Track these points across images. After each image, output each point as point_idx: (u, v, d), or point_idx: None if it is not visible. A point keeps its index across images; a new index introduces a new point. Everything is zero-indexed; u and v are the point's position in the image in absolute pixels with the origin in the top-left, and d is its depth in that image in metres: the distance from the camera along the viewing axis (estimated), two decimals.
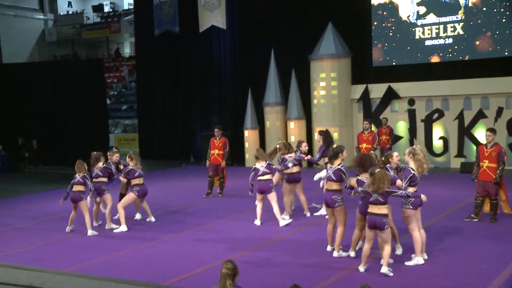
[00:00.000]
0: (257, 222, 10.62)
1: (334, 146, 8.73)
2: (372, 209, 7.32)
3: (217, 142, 13.57)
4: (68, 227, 10.68)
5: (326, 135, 11.25)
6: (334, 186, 8.20)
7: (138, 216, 11.28)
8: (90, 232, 10.35)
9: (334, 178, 8.18)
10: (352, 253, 8.12)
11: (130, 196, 10.80)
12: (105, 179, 10.78)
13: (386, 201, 7.32)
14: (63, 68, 23.94)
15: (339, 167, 8.17)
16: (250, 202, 12.75)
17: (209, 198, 13.60)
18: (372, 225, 7.31)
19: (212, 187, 13.77)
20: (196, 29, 21.46)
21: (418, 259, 7.69)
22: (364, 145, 13.64)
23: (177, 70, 22.62)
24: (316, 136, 11.51)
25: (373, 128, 17.81)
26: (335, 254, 8.26)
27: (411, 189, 7.71)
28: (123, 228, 10.57)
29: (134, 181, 10.75)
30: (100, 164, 10.83)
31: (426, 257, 7.94)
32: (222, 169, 13.61)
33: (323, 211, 10.87)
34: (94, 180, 10.75)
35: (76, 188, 10.43)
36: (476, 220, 9.96)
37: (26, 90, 22.55)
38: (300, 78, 18.96)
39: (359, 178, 7.90)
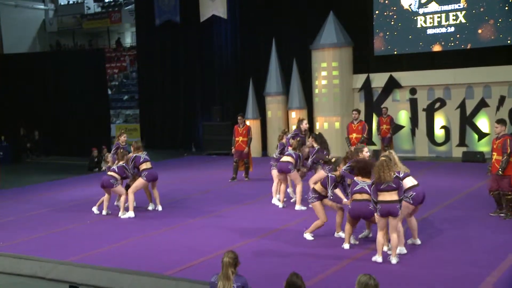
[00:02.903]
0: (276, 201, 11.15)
1: (333, 160, 8.87)
2: (384, 196, 7.28)
3: (241, 129, 14.16)
4: (103, 210, 11.05)
5: (319, 138, 11.06)
6: (314, 185, 8.80)
7: (150, 207, 11.33)
8: (121, 213, 10.87)
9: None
10: (346, 245, 8.15)
11: (139, 181, 10.91)
12: (117, 176, 10.83)
13: (398, 187, 7.30)
14: (64, 59, 23.91)
15: (329, 174, 8.50)
16: (255, 191, 12.83)
17: (214, 186, 13.70)
18: (386, 213, 7.28)
19: (237, 172, 14.36)
20: (197, 18, 21.41)
21: (400, 249, 7.70)
22: (354, 135, 13.49)
23: (178, 60, 22.58)
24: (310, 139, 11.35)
25: (374, 117, 17.90)
26: (335, 234, 8.66)
27: (408, 181, 7.77)
28: (131, 214, 10.73)
29: (142, 167, 10.89)
30: (121, 162, 10.90)
31: (419, 242, 8.10)
32: (246, 155, 14.15)
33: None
34: (107, 172, 10.98)
35: (110, 173, 10.82)
36: (503, 215, 9.47)
37: (27, 81, 22.55)
38: (302, 68, 18.92)
39: (355, 179, 7.93)
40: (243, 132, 14.10)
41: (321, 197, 8.52)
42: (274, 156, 11.49)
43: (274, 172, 11.31)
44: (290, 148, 10.91)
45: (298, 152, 10.78)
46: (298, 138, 11.07)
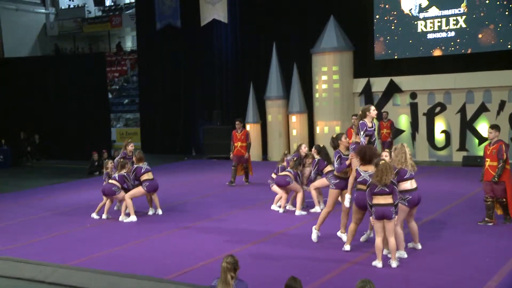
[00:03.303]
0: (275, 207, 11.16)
1: (334, 136, 8.80)
2: (378, 200, 7.31)
3: (239, 134, 14.08)
4: (104, 214, 11.04)
5: (320, 150, 10.98)
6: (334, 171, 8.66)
7: (150, 211, 11.31)
8: (121, 217, 10.83)
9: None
10: (347, 247, 8.14)
11: (139, 190, 10.92)
12: (118, 184, 10.83)
13: (392, 191, 7.31)
14: (64, 62, 23.96)
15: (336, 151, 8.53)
16: (255, 195, 12.83)
17: (214, 190, 13.68)
18: (380, 216, 7.31)
19: (235, 176, 14.27)
20: (198, 23, 21.44)
21: (401, 253, 7.68)
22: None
23: (179, 64, 22.61)
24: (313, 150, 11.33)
25: (375, 121, 17.87)
26: (338, 233, 8.65)
27: (407, 184, 7.75)
28: (133, 218, 10.73)
29: (143, 177, 10.88)
30: (123, 171, 10.87)
31: (420, 247, 8.08)
32: (246, 160, 14.11)
33: (317, 208, 10.86)
34: (109, 180, 10.96)
35: (111, 181, 10.82)
36: (491, 224, 9.23)
37: (28, 85, 22.57)
38: (302, 72, 18.93)
39: (357, 168, 7.90)
40: (241, 137, 14.03)
41: (341, 184, 8.36)
42: (273, 176, 11.30)
43: (275, 188, 11.23)
44: (288, 168, 10.94)
45: (296, 171, 10.84)
46: (295, 158, 11.06)
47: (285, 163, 11.20)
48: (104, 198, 11.05)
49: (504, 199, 9.17)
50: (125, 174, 10.84)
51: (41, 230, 10.37)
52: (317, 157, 10.73)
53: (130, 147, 11.69)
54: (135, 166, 10.95)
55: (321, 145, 11.14)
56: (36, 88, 22.58)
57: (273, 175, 11.25)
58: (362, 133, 8.35)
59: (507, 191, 9.13)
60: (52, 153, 22.47)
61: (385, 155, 8.26)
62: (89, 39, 35.87)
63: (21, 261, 8.30)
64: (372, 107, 8.54)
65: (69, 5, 35.21)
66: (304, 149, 11.42)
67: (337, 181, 8.42)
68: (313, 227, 8.74)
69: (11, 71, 23.17)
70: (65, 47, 34.49)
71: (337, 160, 8.35)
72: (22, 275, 7.97)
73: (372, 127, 8.48)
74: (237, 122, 14.37)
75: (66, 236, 9.93)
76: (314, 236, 8.67)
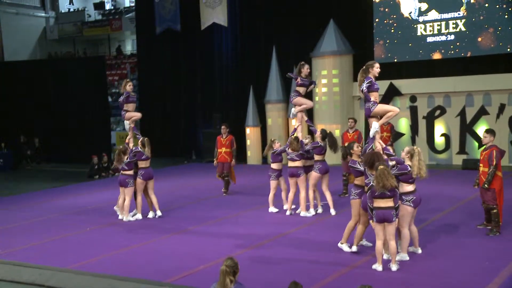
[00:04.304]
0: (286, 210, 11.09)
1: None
2: (379, 203, 7.29)
3: (224, 140, 13.47)
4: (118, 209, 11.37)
5: (325, 135, 10.95)
6: (355, 180, 8.34)
7: (150, 214, 11.32)
8: (125, 217, 11.01)
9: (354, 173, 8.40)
10: (354, 248, 8.14)
11: (138, 183, 11.03)
12: (130, 172, 10.96)
13: (394, 195, 7.28)
14: (64, 66, 23.98)
15: (350, 164, 8.32)
16: (256, 198, 12.80)
17: (214, 194, 13.65)
18: (381, 219, 7.29)
19: (228, 185, 13.69)
20: (198, 26, 21.46)
21: (403, 256, 7.68)
22: None
23: (179, 67, 22.63)
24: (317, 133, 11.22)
25: None
26: (339, 244, 8.45)
27: (410, 187, 7.75)
28: (138, 216, 11.01)
29: (141, 164, 11.01)
30: (125, 158, 10.96)
31: (420, 251, 8.07)
32: (228, 167, 13.42)
33: (311, 211, 10.84)
34: (122, 172, 11.04)
35: (124, 173, 10.96)
36: (490, 227, 9.18)
37: (28, 88, 22.59)
38: None
39: (366, 172, 7.82)
40: (226, 143, 13.41)
41: (362, 194, 8.04)
42: (274, 167, 11.31)
43: (273, 183, 11.27)
44: (290, 151, 10.78)
45: (298, 151, 10.70)
46: (295, 137, 10.85)
47: (276, 146, 11.25)
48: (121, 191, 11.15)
49: (495, 206, 8.93)
50: (129, 160, 10.94)
51: (40, 234, 10.35)
52: (320, 142, 10.67)
53: (129, 87, 11.36)
54: (138, 149, 11.00)
55: (328, 132, 11.01)
56: (36, 91, 22.60)
57: (273, 166, 11.26)
58: (370, 92, 7.94)
59: (497, 199, 8.95)
60: (52, 157, 22.48)
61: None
62: (89, 43, 35.89)
63: (21, 264, 8.30)
64: (377, 64, 8.05)
65: (69, 9, 35.22)
66: (306, 70, 11.00)
67: (359, 190, 8.13)
68: (340, 243, 8.41)
69: (11, 74, 23.18)
70: (61, 51, 34.49)
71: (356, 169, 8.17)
72: (22, 278, 7.97)
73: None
74: (223, 127, 13.65)
75: (66, 239, 9.92)
76: (346, 249, 8.27)
